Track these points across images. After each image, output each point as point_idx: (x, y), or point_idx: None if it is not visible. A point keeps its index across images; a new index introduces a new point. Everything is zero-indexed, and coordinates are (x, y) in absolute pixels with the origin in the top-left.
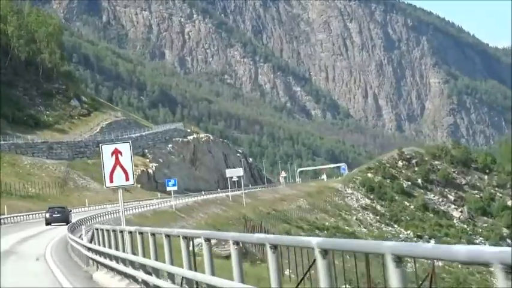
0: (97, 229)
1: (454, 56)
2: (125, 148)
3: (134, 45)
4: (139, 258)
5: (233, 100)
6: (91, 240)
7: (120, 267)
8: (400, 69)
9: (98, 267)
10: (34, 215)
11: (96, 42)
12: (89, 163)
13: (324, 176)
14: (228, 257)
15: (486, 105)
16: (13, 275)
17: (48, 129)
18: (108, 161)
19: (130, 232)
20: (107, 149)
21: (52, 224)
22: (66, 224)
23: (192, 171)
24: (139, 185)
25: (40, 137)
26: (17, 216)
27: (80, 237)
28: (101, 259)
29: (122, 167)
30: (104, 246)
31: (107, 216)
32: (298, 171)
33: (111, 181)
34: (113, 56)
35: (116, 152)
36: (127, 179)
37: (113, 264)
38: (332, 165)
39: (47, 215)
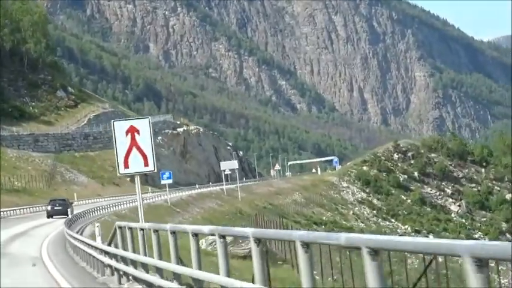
0: (120, 227)
1: (439, 49)
2: (143, 125)
3: (118, 39)
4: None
5: (218, 94)
6: (110, 242)
7: (168, 284)
8: (385, 62)
9: (120, 279)
10: (21, 210)
11: (80, 35)
12: (77, 156)
13: (318, 170)
14: (245, 256)
15: (471, 98)
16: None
17: (34, 121)
18: (121, 142)
19: (195, 235)
20: (120, 127)
21: (53, 217)
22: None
23: (183, 164)
24: (128, 178)
25: (26, 129)
26: (3, 212)
27: (78, 232)
28: (131, 270)
29: (139, 149)
30: (134, 251)
31: (103, 210)
32: (288, 164)
33: (126, 166)
34: (97, 50)
35: (132, 131)
36: (146, 164)
37: (154, 279)
38: (323, 159)
39: (49, 208)
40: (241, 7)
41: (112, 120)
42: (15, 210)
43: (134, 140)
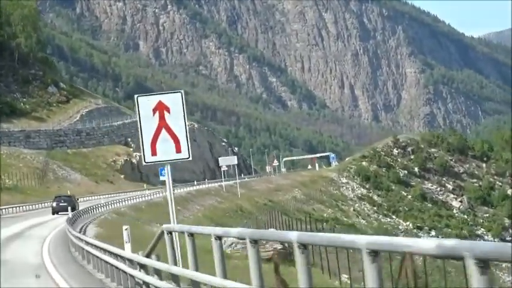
0: (169, 233)
1: (430, 45)
2: (175, 101)
3: (108, 37)
4: None
5: (209, 91)
6: (150, 252)
7: None
8: (376, 59)
9: None
10: (14, 209)
11: (70, 33)
12: (69, 153)
13: (316, 165)
14: (269, 259)
15: (462, 94)
16: None
17: (25, 117)
18: (147, 123)
19: (304, 246)
20: (145, 104)
21: (59, 213)
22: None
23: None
24: (122, 176)
25: (17, 126)
26: None
27: (80, 233)
28: None
29: (169, 131)
30: (197, 268)
31: (101, 208)
32: (283, 160)
33: (154, 153)
34: (87, 48)
35: (161, 108)
36: (178, 150)
37: None
38: (318, 155)
39: (54, 204)
40: (231, 4)
41: (136, 95)
42: (7, 209)
43: (163, 120)
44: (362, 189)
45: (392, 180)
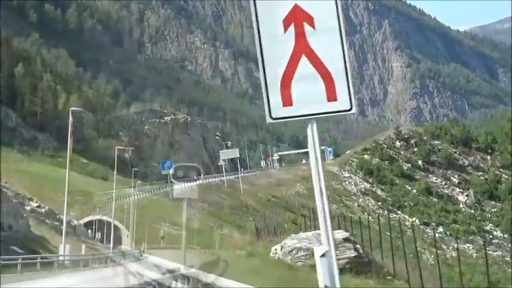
0: None
1: (416, 39)
2: (325, 8)
3: None
4: None
5: (194, 87)
6: None
7: None
8: (362, 53)
9: None
10: None
11: None
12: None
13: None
14: (341, 269)
15: (449, 88)
16: None
17: None
18: (273, 46)
19: None
20: (268, 11)
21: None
22: None
23: (171, 155)
24: (114, 171)
25: None
26: None
27: None
28: None
29: (316, 61)
30: None
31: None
32: (276, 155)
33: (288, 102)
34: None
35: (298, 20)
36: (332, 97)
37: None
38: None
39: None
40: None
41: None
42: None
43: (303, 41)
44: (365, 184)
45: (395, 173)
